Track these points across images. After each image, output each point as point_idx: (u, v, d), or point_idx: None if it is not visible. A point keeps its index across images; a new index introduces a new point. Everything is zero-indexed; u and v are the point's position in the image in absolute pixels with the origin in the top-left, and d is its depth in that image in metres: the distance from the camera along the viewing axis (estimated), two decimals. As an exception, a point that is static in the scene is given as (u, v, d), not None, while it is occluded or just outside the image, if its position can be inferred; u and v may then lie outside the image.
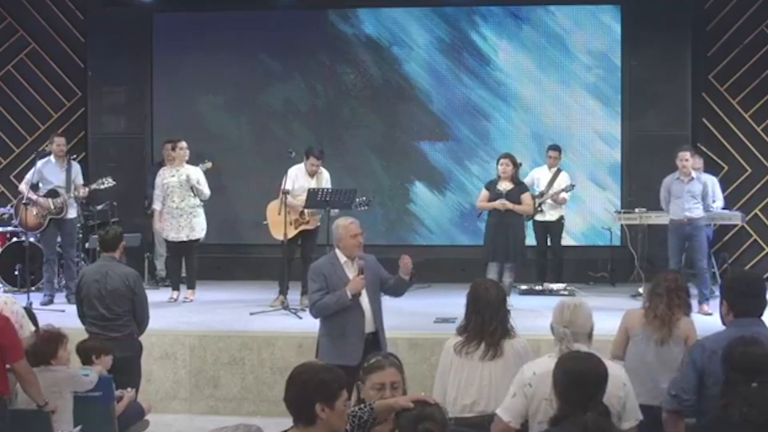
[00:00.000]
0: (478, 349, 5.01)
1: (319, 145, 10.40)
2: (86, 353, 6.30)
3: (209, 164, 10.61)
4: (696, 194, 9.31)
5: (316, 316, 6.39)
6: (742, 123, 11.60)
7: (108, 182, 10.01)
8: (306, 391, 3.34)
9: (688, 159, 9.31)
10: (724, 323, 4.80)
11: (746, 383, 3.88)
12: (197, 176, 9.97)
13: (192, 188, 9.87)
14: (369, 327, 6.22)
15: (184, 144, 10.02)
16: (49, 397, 5.58)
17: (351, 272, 6.21)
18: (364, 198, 9.80)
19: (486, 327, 5.02)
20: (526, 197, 9.49)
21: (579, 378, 3.80)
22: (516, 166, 9.54)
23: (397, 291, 6.47)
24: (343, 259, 6.26)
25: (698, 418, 4.54)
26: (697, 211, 9.32)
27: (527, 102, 11.84)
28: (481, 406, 4.94)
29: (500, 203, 9.34)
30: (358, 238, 6.23)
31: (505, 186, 9.45)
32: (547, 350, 6.90)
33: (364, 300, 6.20)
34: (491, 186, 9.55)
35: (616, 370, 4.42)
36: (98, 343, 6.43)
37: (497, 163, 9.61)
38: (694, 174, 9.37)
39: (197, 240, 10.02)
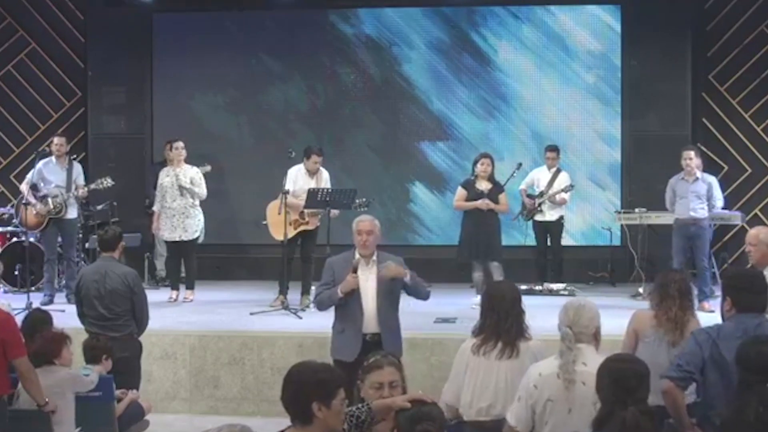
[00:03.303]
0: (495, 348, 4.96)
1: (319, 144, 10.38)
2: (96, 353, 6.29)
3: (208, 167, 10.55)
4: (701, 194, 9.28)
5: (318, 310, 6.49)
6: (742, 123, 11.59)
7: (107, 182, 9.98)
8: (303, 390, 3.32)
9: (692, 158, 9.26)
10: (723, 321, 4.81)
11: (761, 383, 3.84)
12: (190, 177, 9.93)
13: (180, 188, 9.87)
14: (370, 327, 6.12)
15: (180, 144, 10.01)
16: (51, 397, 5.56)
17: (363, 270, 6.15)
18: (364, 199, 9.79)
19: (501, 325, 4.98)
20: (502, 197, 9.56)
21: (619, 375, 3.81)
22: (494, 166, 9.59)
23: (415, 294, 6.37)
24: (357, 256, 6.23)
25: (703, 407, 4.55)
26: (701, 211, 9.30)
27: (527, 102, 11.84)
28: (497, 409, 4.85)
29: (483, 203, 9.37)
30: (363, 236, 6.13)
31: (485, 186, 9.48)
32: (547, 351, 6.93)
33: (366, 299, 6.13)
34: (469, 185, 9.56)
35: None
36: (107, 344, 6.42)
37: (476, 163, 9.62)
38: (698, 174, 9.33)
39: (193, 240, 10.00)
